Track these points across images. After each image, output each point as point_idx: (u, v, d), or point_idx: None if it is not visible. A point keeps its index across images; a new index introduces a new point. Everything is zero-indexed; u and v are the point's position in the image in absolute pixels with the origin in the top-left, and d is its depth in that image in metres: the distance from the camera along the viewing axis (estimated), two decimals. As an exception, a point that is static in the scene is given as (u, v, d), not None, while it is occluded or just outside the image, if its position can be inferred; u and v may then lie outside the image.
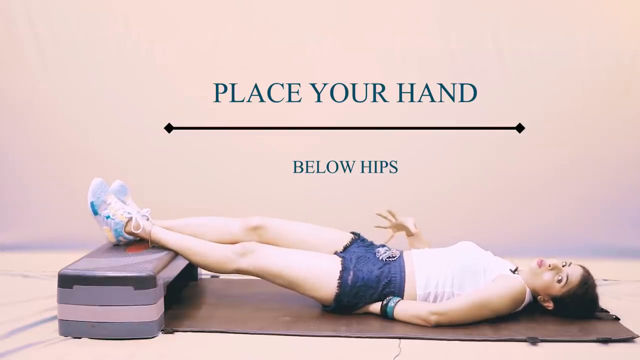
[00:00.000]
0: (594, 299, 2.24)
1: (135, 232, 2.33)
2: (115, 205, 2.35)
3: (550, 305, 2.23)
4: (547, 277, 2.19)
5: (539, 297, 2.24)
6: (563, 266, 2.20)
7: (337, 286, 2.23)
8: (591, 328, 2.17)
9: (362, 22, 3.04)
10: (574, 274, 2.19)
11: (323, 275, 2.25)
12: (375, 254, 2.34)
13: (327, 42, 3.05)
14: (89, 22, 3.05)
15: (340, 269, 2.26)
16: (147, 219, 2.37)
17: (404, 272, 2.26)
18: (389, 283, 2.25)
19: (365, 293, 2.24)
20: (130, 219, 2.34)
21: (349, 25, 3.04)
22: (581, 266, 2.23)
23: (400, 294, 2.24)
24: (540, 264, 2.20)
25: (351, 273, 2.25)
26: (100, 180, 2.37)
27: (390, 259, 2.31)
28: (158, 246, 2.34)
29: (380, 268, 2.27)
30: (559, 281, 2.18)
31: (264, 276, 2.29)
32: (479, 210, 3.10)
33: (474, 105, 3.07)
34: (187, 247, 2.32)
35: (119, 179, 3.08)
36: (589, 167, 3.08)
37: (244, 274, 2.33)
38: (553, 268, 2.19)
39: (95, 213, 2.34)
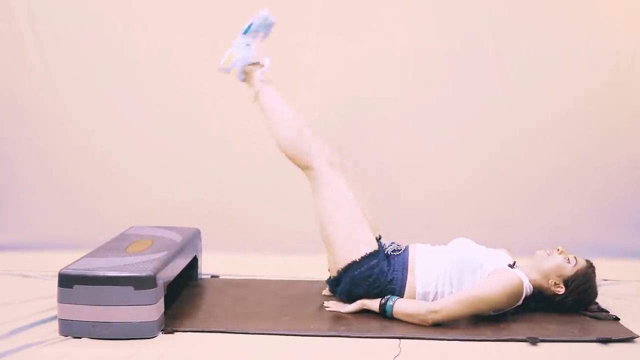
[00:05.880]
0: (595, 286, 2.35)
1: (254, 75, 2.39)
2: (260, 47, 2.40)
3: (561, 289, 2.27)
4: (559, 259, 2.29)
5: (549, 281, 2.27)
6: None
7: (361, 257, 2.26)
8: (591, 328, 2.17)
9: (360, 22, 3.04)
10: (579, 258, 2.32)
11: (360, 237, 2.29)
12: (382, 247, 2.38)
13: (327, 42, 3.05)
14: (91, 22, 3.04)
15: (376, 249, 2.29)
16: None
17: (407, 269, 2.29)
18: (392, 281, 2.27)
19: (372, 283, 2.26)
20: (261, 65, 2.39)
21: (349, 25, 3.04)
22: None
23: (400, 291, 2.27)
24: (549, 252, 2.33)
25: (378, 260, 2.27)
26: (271, 19, 2.42)
27: (394, 253, 2.33)
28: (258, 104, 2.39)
29: (388, 266, 2.29)
30: (569, 262, 2.29)
31: (318, 189, 2.33)
32: (478, 210, 3.09)
33: (473, 105, 3.07)
34: (283, 117, 2.36)
35: (120, 178, 3.11)
36: (589, 167, 3.08)
37: (305, 172, 2.37)
38: (562, 252, 2.31)
39: (245, 32, 2.38)
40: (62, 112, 3.09)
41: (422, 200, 3.10)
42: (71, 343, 2.00)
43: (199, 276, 2.72)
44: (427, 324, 2.15)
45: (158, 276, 2.06)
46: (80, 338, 2.02)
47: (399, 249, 2.36)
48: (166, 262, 2.19)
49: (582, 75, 3.03)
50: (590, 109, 3.05)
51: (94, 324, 2.01)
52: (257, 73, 2.41)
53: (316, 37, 3.05)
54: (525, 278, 2.24)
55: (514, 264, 2.31)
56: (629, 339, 2.08)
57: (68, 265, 2.08)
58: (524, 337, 2.06)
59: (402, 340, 2.05)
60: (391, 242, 2.39)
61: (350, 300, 2.33)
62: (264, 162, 3.11)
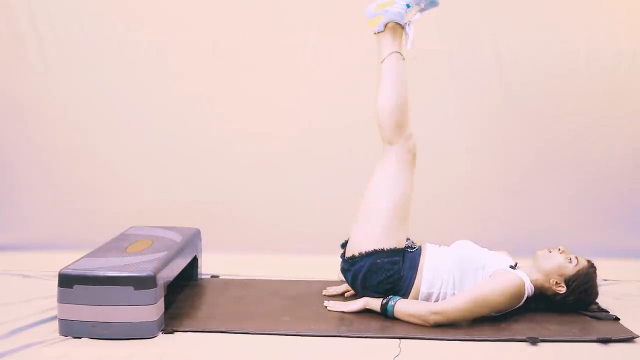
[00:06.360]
0: (596, 286, 2.36)
1: (395, 37, 2.37)
2: (415, 16, 2.40)
3: (562, 288, 2.28)
4: (560, 258, 2.30)
5: (551, 280, 2.28)
6: None
7: (390, 248, 2.27)
8: (591, 328, 2.17)
9: (361, 22, 3.02)
10: (580, 258, 2.33)
11: (397, 230, 2.30)
12: None
13: (326, 42, 3.04)
14: (91, 22, 3.04)
15: (403, 248, 2.31)
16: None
17: (416, 269, 2.29)
18: (401, 278, 2.27)
19: (387, 277, 2.26)
20: (402, 28, 2.37)
21: (349, 25, 3.04)
22: None
23: (407, 290, 2.27)
24: (550, 250, 2.34)
25: (401, 258, 2.28)
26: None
27: (409, 250, 2.33)
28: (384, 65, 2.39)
29: (403, 264, 2.30)
30: (570, 261, 2.30)
31: (388, 167, 2.35)
32: (478, 210, 3.09)
33: (473, 106, 3.07)
34: (400, 88, 2.35)
35: (120, 178, 3.11)
36: (589, 167, 3.08)
37: (385, 146, 2.38)
38: (563, 252, 2.33)
39: None
40: (62, 112, 3.09)
41: (421, 201, 3.09)
42: (71, 343, 2.00)
43: (199, 276, 2.72)
44: (428, 325, 2.15)
45: (158, 276, 2.06)
46: (80, 338, 2.02)
47: (414, 247, 2.35)
48: (166, 262, 2.19)
49: (582, 75, 3.03)
50: (591, 109, 3.05)
51: (94, 324, 2.01)
52: (407, 42, 2.39)
53: (316, 37, 3.05)
54: (527, 279, 2.24)
55: (515, 265, 2.31)
56: (629, 339, 2.08)
57: (68, 265, 2.08)
58: (524, 337, 2.06)
59: (402, 340, 2.05)
60: (406, 238, 2.39)
61: (357, 286, 2.33)
62: (264, 162, 3.12)
